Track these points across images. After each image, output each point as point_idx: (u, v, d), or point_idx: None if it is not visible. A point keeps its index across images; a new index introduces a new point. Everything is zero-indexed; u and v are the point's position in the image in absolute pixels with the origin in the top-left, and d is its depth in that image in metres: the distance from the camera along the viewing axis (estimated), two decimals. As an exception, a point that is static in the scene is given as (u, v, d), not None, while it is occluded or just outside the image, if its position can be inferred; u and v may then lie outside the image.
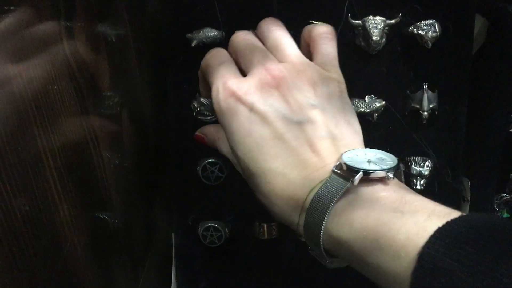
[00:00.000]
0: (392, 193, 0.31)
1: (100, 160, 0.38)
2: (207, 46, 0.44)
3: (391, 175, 0.32)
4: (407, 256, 0.26)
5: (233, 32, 0.44)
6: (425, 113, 0.45)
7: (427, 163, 0.48)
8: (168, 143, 0.50)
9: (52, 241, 0.29)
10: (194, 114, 0.47)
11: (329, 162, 0.34)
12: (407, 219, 0.28)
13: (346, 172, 0.32)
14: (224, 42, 0.42)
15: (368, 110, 0.46)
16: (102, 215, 0.38)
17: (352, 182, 0.31)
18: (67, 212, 0.31)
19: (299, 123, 0.35)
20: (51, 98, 0.29)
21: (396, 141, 0.48)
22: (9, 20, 0.25)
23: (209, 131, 0.44)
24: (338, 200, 0.31)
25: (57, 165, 0.30)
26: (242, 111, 0.36)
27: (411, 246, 0.27)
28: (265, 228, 0.50)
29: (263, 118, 0.35)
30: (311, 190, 0.33)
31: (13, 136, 0.25)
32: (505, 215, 0.54)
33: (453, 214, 0.28)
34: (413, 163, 0.48)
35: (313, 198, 0.32)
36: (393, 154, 0.34)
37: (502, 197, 0.53)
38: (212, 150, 0.44)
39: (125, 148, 0.45)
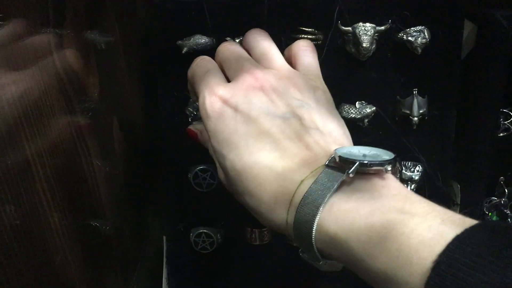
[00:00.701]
0: (393, 191, 0.29)
1: (91, 168, 0.37)
2: (198, 53, 0.44)
3: (389, 168, 0.30)
4: (420, 263, 0.24)
5: (223, 39, 0.44)
6: (415, 118, 0.46)
7: (417, 168, 0.48)
8: (159, 150, 0.50)
9: (43, 253, 0.28)
10: (190, 119, 0.47)
11: (320, 156, 0.32)
12: (418, 221, 0.26)
13: (340, 164, 0.30)
14: (214, 49, 0.42)
15: (358, 116, 0.46)
16: (93, 222, 0.38)
17: (348, 173, 0.29)
18: (57, 221, 0.30)
19: (285, 119, 0.34)
20: (40, 107, 0.29)
21: (387, 146, 0.48)
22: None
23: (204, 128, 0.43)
24: (333, 192, 0.29)
25: (46, 174, 0.29)
26: (228, 112, 0.35)
27: (425, 252, 0.24)
28: (257, 234, 0.50)
29: (247, 115, 0.35)
30: (301, 182, 0.31)
31: (1, 146, 0.25)
32: (494, 218, 0.55)
33: (468, 221, 0.26)
34: (403, 168, 0.48)
35: (304, 191, 0.30)
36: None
37: (491, 201, 0.54)
38: (203, 157, 0.44)
39: (116, 156, 0.44)
